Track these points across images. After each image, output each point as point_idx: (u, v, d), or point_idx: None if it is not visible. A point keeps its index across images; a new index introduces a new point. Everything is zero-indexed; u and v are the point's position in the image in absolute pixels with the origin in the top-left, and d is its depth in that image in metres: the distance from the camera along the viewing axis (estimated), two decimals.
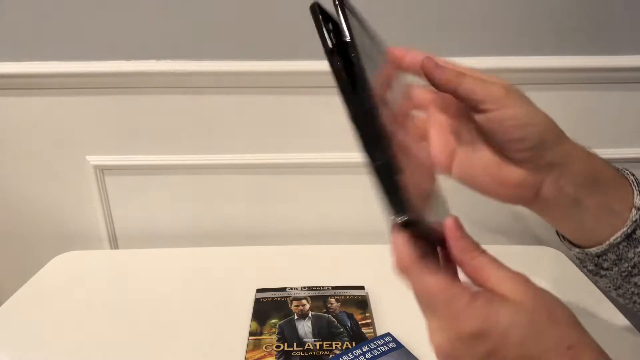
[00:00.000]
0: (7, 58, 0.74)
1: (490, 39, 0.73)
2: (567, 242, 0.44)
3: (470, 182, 0.40)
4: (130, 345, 0.59)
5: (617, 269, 0.41)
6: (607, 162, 0.40)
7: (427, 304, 0.31)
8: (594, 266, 0.43)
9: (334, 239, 0.88)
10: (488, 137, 0.38)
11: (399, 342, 0.54)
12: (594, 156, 0.40)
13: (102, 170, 0.84)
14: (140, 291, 0.69)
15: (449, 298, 0.30)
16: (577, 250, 0.43)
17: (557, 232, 0.46)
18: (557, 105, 0.77)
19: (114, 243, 0.90)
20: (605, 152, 0.86)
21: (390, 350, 0.53)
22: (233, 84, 0.77)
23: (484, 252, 0.32)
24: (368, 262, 0.75)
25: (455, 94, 0.37)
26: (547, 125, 0.37)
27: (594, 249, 0.41)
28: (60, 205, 0.87)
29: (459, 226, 0.32)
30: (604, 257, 0.41)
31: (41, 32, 0.73)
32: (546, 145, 0.36)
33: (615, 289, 0.44)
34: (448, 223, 0.32)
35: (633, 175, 0.41)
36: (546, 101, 0.88)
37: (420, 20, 0.72)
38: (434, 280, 0.30)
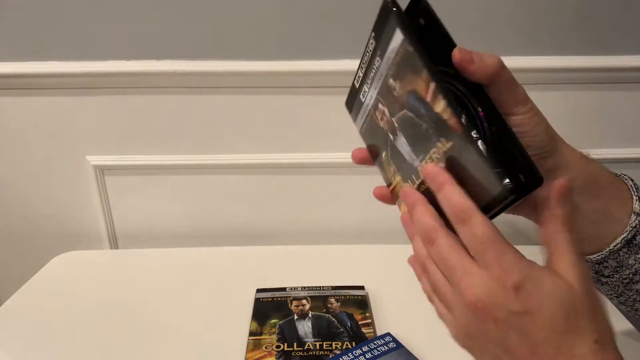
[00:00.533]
0: (7, 58, 0.74)
1: (491, 39, 0.73)
2: None
3: None
4: (130, 345, 0.59)
5: (618, 276, 0.41)
6: (606, 168, 0.40)
7: (477, 250, 0.31)
8: (595, 274, 0.43)
9: (334, 239, 0.88)
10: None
11: (399, 342, 0.54)
12: (592, 161, 0.39)
13: (102, 170, 0.84)
14: (140, 291, 0.69)
15: (502, 250, 0.30)
16: None
17: None
18: (557, 105, 0.78)
19: (114, 243, 0.90)
20: (605, 152, 0.87)
21: (390, 350, 0.53)
22: (233, 84, 0.77)
23: (570, 230, 0.32)
24: (368, 262, 0.75)
25: (499, 82, 0.34)
26: (547, 132, 0.36)
27: (594, 255, 0.41)
28: (60, 205, 0.87)
29: (569, 191, 0.32)
30: (604, 264, 0.41)
31: (41, 32, 0.73)
32: (546, 153, 0.36)
33: (617, 297, 0.44)
34: (560, 183, 0.31)
35: (632, 180, 0.41)
36: (546, 101, 0.88)
37: None
38: (493, 231, 0.30)
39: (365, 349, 0.53)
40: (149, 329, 0.61)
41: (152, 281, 0.72)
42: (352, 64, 0.74)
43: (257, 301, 0.64)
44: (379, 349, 0.53)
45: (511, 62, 0.83)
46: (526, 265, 0.30)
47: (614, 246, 0.39)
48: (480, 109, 0.32)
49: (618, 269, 0.41)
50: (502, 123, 0.32)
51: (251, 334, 0.58)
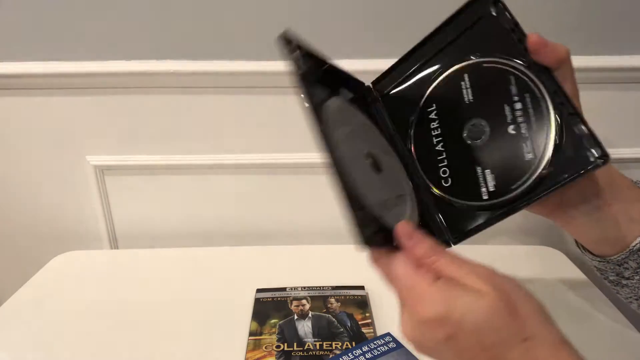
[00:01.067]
0: (7, 58, 0.74)
1: None
2: (588, 253, 0.46)
3: None
4: (130, 345, 0.59)
5: (638, 277, 0.42)
6: (622, 174, 0.42)
7: (396, 292, 0.34)
8: (615, 276, 0.44)
9: (334, 239, 0.88)
10: None
11: (399, 342, 0.54)
12: (611, 166, 0.40)
13: (102, 170, 0.84)
14: (140, 291, 0.69)
15: (412, 284, 0.32)
16: (598, 260, 0.44)
17: (578, 244, 0.47)
18: None
19: (114, 243, 0.90)
20: None
21: (391, 350, 0.53)
22: (233, 84, 0.77)
23: (443, 253, 0.34)
24: (368, 262, 0.75)
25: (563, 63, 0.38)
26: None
27: (614, 256, 0.42)
28: (60, 205, 0.87)
29: (411, 232, 0.35)
30: (625, 265, 0.42)
31: (41, 32, 0.73)
32: None
33: (637, 299, 0.45)
34: (400, 229, 0.35)
35: None
36: None
37: (421, 20, 0.71)
38: (400, 268, 0.33)
39: (365, 348, 0.53)
40: (149, 329, 0.61)
41: (152, 281, 0.72)
42: (352, 64, 0.74)
43: (257, 301, 0.64)
44: (379, 349, 0.53)
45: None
46: (437, 291, 0.32)
47: (634, 246, 0.40)
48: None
49: (638, 270, 0.42)
50: (573, 104, 0.37)
51: (251, 334, 0.58)
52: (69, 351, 0.58)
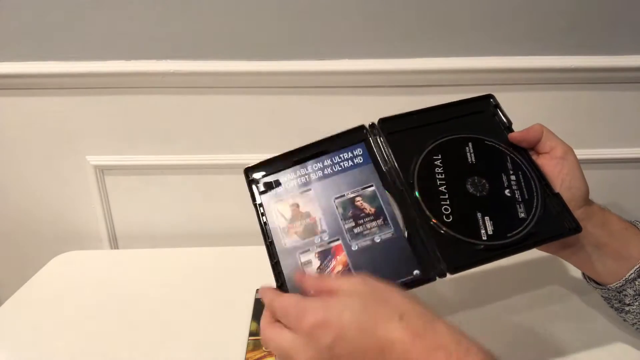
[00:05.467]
0: (7, 58, 0.74)
1: (490, 39, 0.73)
2: (594, 282, 0.52)
3: None
4: (130, 345, 0.59)
5: (638, 303, 0.49)
6: (620, 217, 0.49)
7: (288, 317, 0.38)
8: (618, 303, 0.51)
9: None
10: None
11: (368, 158, 0.50)
12: (609, 212, 0.49)
13: (102, 170, 0.84)
14: (140, 291, 0.69)
15: (296, 303, 0.37)
16: (601, 288, 0.51)
17: (584, 275, 0.54)
18: (557, 105, 0.78)
19: (114, 243, 0.90)
20: (605, 152, 0.86)
21: (357, 165, 0.49)
22: (233, 84, 0.77)
23: (326, 276, 0.43)
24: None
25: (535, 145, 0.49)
26: (585, 189, 0.47)
27: (614, 284, 0.49)
28: (60, 205, 0.87)
29: (302, 273, 0.44)
30: (624, 292, 0.49)
31: (41, 32, 0.73)
32: (579, 204, 0.47)
33: None
34: (297, 276, 0.42)
35: None
36: (547, 101, 0.88)
37: (421, 20, 0.72)
38: (286, 299, 0.39)
39: (336, 159, 0.50)
40: (149, 329, 0.61)
41: (152, 281, 0.72)
42: (352, 64, 0.74)
43: (257, 301, 0.64)
44: (347, 162, 0.50)
45: (512, 62, 0.83)
46: (315, 303, 0.37)
47: (629, 276, 0.47)
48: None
49: (637, 297, 0.48)
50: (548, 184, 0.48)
51: (251, 334, 0.58)
52: (68, 351, 0.58)
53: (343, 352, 0.34)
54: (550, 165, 0.48)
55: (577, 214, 0.46)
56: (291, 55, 0.74)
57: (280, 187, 0.50)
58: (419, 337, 0.33)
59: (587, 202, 0.48)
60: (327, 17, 0.71)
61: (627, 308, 0.50)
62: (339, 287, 0.37)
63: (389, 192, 0.47)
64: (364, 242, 0.45)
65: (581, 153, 0.79)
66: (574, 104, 0.78)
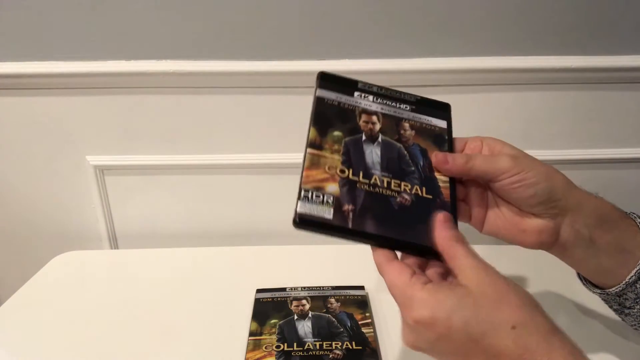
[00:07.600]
0: (7, 58, 0.74)
1: (490, 39, 0.73)
2: (590, 284, 0.49)
3: (499, 235, 0.45)
4: (130, 345, 0.59)
5: (639, 307, 0.45)
6: (614, 205, 0.45)
7: (394, 298, 0.36)
8: (618, 305, 0.47)
9: (333, 239, 0.88)
10: (507, 198, 0.44)
11: None
12: (602, 200, 0.44)
13: (102, 170, 0.84)
14: (140, 291, 0.69)
15: (404, 289, 0.35)
16: (599, 291, 0.48)
17: (580, 276, 0.50)
18: (557, 105, 0.78)
19: (114, 243, 0.90)
20: (605, 152, 0.86)
21: None
22: (233, 84, 0.77)
23: (463, 243, 0.37)
24: (368, 262, 0.75)
25: (470, 176, 0.43)
26: (554, 180, 0.42)
27: (613, 289, 0.45)
28: (60, 205, 0.87)
29: (447, 218, 0.39)
30: (624, 296, 0.45)
31: (41, 32, 0.73)
32: (556, 197, 0.42)
33: None
34: (439, 216, 0.39)
35: (639, 217, 0.45)
36: (547, 101, 0.88)
37: (421, 20, 0.72)
38: (395, 274, 0.37)
39: None
40: (149, 329, 0.61)
41: (152, 281, 0.72)
42: (352, 64, 0.74)
43: (257, 301, 0.64)
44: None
45: (511, 62, 0.83)
46: (424, 296, 0.34)
47: (629, 279, 0.44)
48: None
49: (638, 300, 0.45)
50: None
51: (251, 334, 0.58)
52: (69, 351, 0.58)
53: (445, 350, 0.34)
54: (507, 188, 0.42)
55: (560, 205, 0.42)
56: (291, 55, 0.74)
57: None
58: (528, 353, 0.31)
59: (568, 190, 0.43)
60: (327, 17, 0.71)
61: (627, 311, 0.47)
62: (459, 270, 0.35)
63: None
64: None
65: (580, 153, 0.79)
66: (574, 104, 0.78)
